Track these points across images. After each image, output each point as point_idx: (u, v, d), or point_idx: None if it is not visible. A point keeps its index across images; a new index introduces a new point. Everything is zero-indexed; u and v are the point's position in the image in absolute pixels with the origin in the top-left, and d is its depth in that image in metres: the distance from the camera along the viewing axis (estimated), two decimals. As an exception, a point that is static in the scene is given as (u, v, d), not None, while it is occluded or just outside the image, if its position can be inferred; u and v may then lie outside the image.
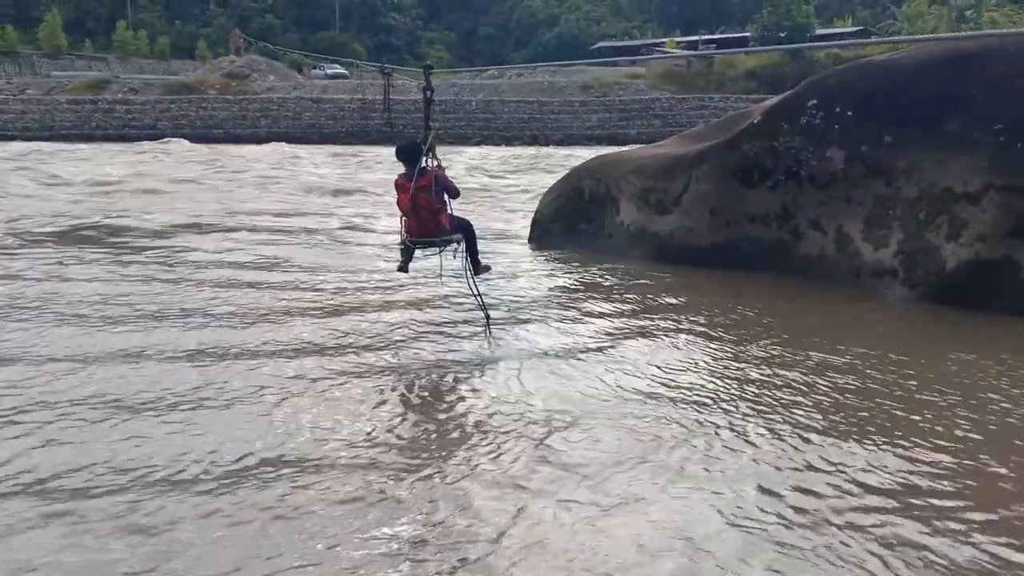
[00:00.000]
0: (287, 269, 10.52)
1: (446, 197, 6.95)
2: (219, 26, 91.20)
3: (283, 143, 42.72)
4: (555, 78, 59.28)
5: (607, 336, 7.43)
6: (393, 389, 5.97)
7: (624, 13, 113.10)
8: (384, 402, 5.69)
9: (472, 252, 7.38)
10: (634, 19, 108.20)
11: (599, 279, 10.09)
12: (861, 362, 6.40)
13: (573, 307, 8.60)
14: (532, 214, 13.44)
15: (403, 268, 7.43)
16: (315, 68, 67.99)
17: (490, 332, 7.32)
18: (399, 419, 5.40)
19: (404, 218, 7.00)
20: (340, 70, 63.41)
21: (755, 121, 10.05)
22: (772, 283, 9.11)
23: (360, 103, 51.48)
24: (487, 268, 7.80)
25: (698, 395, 5.80)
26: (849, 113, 9.04)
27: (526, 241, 12.95)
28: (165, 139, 43.38)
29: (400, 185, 6.92)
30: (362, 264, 10.97)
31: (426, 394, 5.96)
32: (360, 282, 9.67)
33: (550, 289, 9.61)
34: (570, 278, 10.27)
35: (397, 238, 7.78)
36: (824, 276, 8.92)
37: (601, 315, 8.24)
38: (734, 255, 9.79)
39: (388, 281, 9.49)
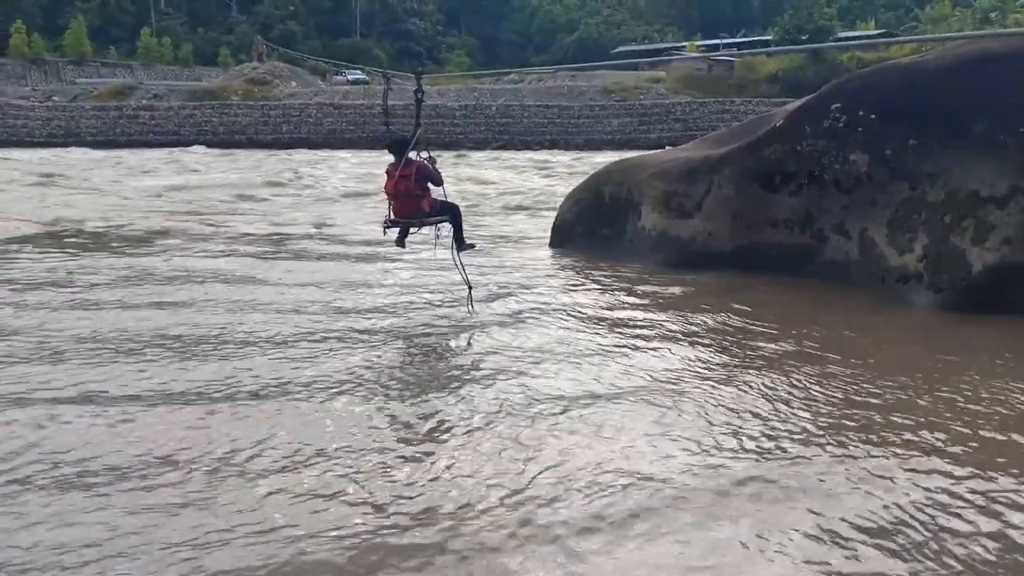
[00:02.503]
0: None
1: (430, 185, 7.88)
2: (242, 33, 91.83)
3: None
4: (575, 83, 59.29)
5: (602, 322, 7.57)
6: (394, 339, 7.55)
7: (644, 17, 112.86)
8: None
9: (457, 232, 8.26)
10: (654, 23, 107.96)
11: (614, 279, 10.13)
12: (884, 366, 6.33)
13: (580, 303, 8.73)
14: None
15: (400, 243, 8.27)
16: (337, 74, 68.35)
17: (471, 301, 8.34)
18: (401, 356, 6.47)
19: (389, 200, 8.01)
20: (361, 76, 63.69)
21: (777, 125, 9.99)
22: (795, 287, 9.04)
23: (381, 109, 51.64)
24: (471, 246, 8.58)
25: (692, 383, 5.91)
26: (873, 116, 8.96)
27: (547, 246, 12.93)
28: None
29: (388, 172, 7.91)
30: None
31: (418, 346, 7.43)
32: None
33: (561, 288, 9.72)
34: (583, 278, 10.33)
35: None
36: (848, 281, 8.84)
37: (605, 307, 8.46)
38: (756, 259, 9.73)
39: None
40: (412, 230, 8.16)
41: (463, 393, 5.91)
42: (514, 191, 24.36)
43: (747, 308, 8.32)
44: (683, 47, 74.83)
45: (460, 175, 26.79)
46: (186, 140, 49.82)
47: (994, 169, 7.90)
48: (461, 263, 8.21)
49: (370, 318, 8.19)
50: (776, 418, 5.32)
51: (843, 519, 3.98)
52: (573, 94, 56.88)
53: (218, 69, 78.00)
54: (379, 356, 6.85)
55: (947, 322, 7.66)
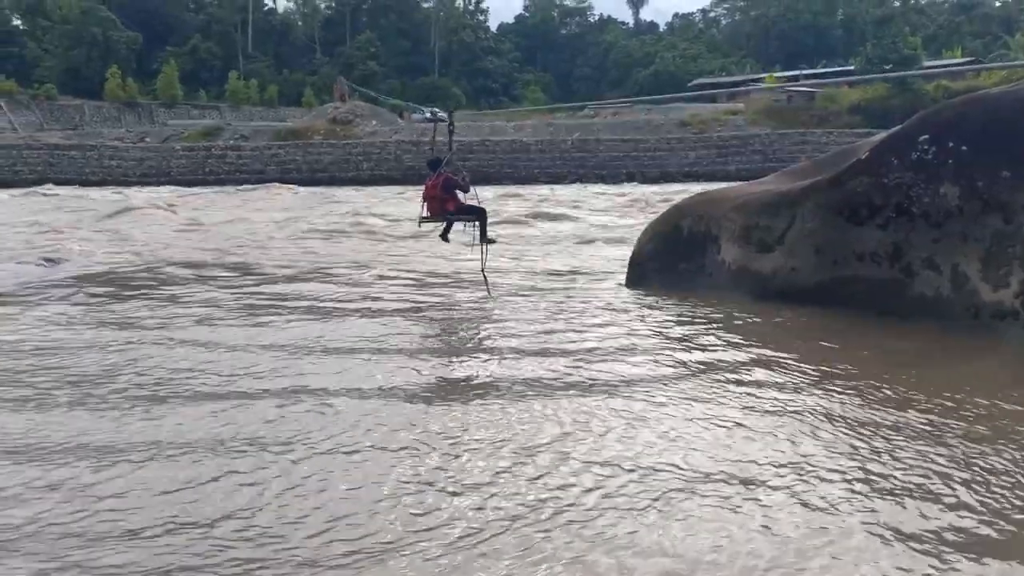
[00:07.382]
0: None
1: (459, 192, 10.86)
2: (325, 74, 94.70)
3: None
4: (651, 116, 59.24)
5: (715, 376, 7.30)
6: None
7: (721, 50, 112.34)
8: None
9: (483, 228, 11.11)
10: (732, 55, 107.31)
11: (688, 313, 10.01)
12: (981, 407, 6.05)
13: (674, 345, 8.44)
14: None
15: (444, 238, 11.27)
16: (415, 112, 69.75)
17: (488, 281, 11.16)
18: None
19: (424, 203, 11.01)
20: (440, 113, 64.73)
21: (862, 157, 9.76)
22: (883, 324, 8.74)
23: (459, 146, 52.33)
24: (492, 241, 11.41)
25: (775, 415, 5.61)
26: (963, 148, 8.67)
27: (623, 282, 12.82)
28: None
29: (424, 184, 11.12)
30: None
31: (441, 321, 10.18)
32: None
33: (655, 327, 9.51)
34: (657, 312, 10.26)
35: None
36: (939, 317, 8.51)
37: (679, 341, 8.15)
38: (841, 295, 9.47)
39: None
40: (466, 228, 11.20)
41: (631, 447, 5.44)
42: (595, 225, 24.35)
43: (829, 343, 8.07)
44: (761, 79, 74.10)
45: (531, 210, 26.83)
46: (271, 178, 51.30)
47: (1096, 200, 7.55)
48: (484, 252, 11.11)
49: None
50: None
51: None
52: (649, 127, 56.81)
53: (302, 109, 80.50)
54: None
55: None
